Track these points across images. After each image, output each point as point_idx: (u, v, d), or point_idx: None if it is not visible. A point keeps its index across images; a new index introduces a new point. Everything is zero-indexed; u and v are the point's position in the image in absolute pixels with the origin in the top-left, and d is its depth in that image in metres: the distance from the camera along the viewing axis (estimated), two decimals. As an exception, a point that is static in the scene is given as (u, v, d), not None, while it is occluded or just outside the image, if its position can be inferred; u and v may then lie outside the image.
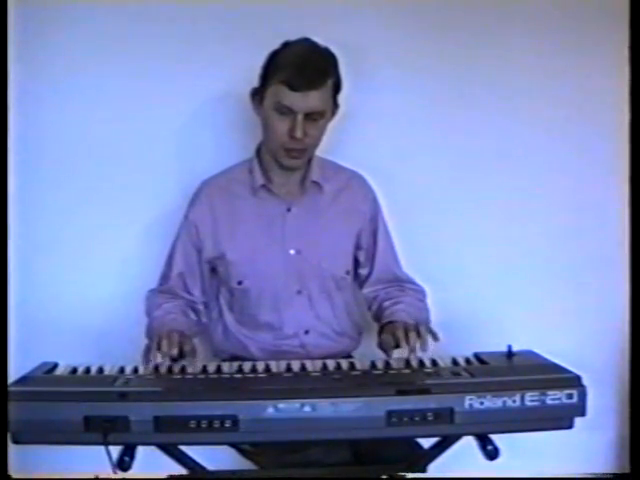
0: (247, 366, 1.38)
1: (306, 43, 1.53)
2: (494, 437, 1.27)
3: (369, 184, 1.74)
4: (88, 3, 1.80)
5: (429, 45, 1.89)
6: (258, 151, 1.67)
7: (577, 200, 1.98)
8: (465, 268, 1.95)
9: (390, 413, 1.19)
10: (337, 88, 1.56)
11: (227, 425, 1.18)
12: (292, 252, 1.63)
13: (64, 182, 1.86)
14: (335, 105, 1.58)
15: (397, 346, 1.43)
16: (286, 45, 1.54)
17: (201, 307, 1.70)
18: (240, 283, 1.64)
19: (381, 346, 1.53)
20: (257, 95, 1.57)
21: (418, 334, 1.41)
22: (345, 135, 1.80)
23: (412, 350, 1.39)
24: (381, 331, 1.59)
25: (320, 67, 1.50)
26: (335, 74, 1.54)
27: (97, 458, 1.19)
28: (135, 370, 1.36)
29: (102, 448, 1.18)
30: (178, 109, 1.86)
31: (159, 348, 1.37)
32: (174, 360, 1.39)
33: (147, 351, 1.40)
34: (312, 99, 1.49)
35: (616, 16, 1.81)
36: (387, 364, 1.37)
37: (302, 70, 1.47)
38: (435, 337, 1.41)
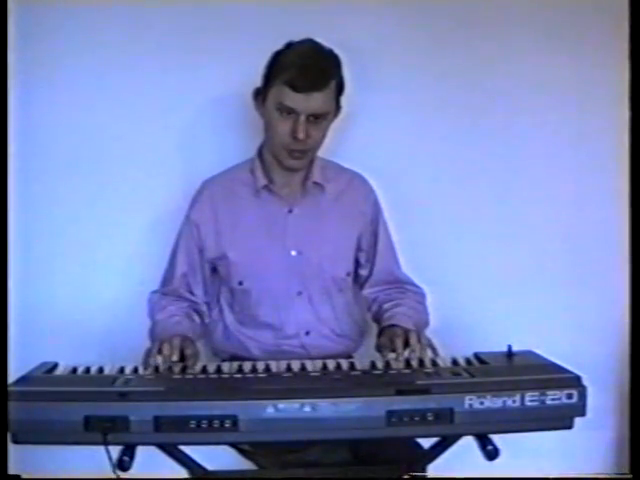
0: (247, 366, 1.38)
1: (310, 44, 1.53)
2: (494, 437, 1.27)
3: (370, 185, 1.74)
4: (89, 3, 1.81)
5: (431, 46, 1.90)
6: (260, 151, 1.67)
7: (577, 200, 1.98)
8: (465, 268, 1.96)
9: (390, 413, 1.19)
10: (340, 89, 1.56)
11: (227, 425, 1.18)
12: (293, 253, 1.63)
13: (65, 182, 1.87)
14: (338, 106, 1.58)
15: (393, 351, 1.42)
16: (289, 46, 1.54)
17: (204, 308, 1.70)
18: (241, 283, 1.64)
19: (378, 348, 1.53)
20: (260, 95, 1.57)
21: (418, 342, 1.40)
22: (346, 136, 1.80)
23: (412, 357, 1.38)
24: (381, 333, 1.59)
25: (323, 68, 1.50)
26: (338, 75, 1.54)
27: (97, 458, 1.19)
28: (135, 370, 1.36)
29: (102, 448, 1.18)
30: (180, 109, 1.87)
31: (160, 352, 1.37)
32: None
33: (147, 355, 1.40)
34: (315, 100, 1.49)
35: (616, 16, 1.81)
36: (387, 364, 1.37)
37: (305, 71, 1.47)
38: (435, 352, 1.42)
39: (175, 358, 1.36)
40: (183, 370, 1.36)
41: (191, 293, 1.68)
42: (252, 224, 1.64)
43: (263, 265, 1.63)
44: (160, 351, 1.37)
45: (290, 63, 1.49)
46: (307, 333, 1.65)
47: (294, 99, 1.48)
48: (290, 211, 1.64)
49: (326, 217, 1.66)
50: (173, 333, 1.47)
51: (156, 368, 1.36)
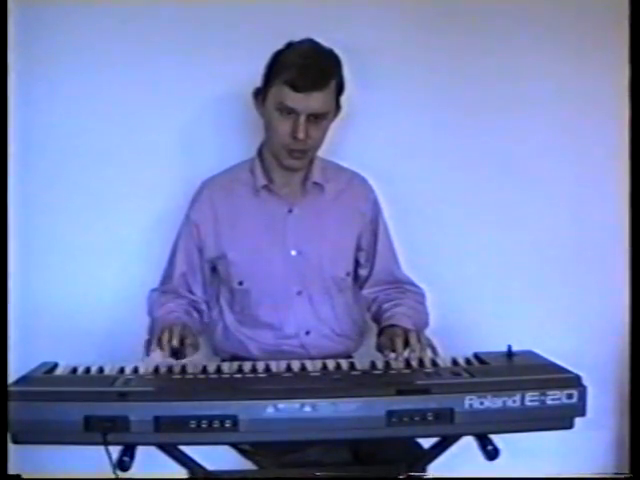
0: (247, 366, 1.38)
1: (310, 44, 1.53)
2: (494, 437, 1.27)
3: (370, 185, 1.74)
4: (89, 3, 1.81)
5: (430, 47, 1.90)
6: (260, 151, 1.67)
7: (577, 200, 1.99)
8: (465, 268, 1.96)
9: (390, 413, 1.19)
10: (340, 89, 1.56)
11: (227, 425, 1.18)
12: (293, 253, 1.63)
13: (65, 182, 1.87)
14: (337, 106, 1.58)
15: (394, 350, 1.43)
16: (290, 45, 1.54)
17: (204, 307, 1.70)
18: (241, 283, 1.64)
19: (379, 348, 1.54)
20: (260, 95, 1.57)
21: (418, 342, 1.40)
22: (346, 135, 1.80)
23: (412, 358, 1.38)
24: (380, 333, 1.59)
25: (323, 68, 1.50)
26: (338, 75, 1.54)
27: (97, 458, 1.19)
28: (135, 370, 1.36)
29: (102, 448, 1.18)
30: (181, 109, 1.87)
31: (160, 339, 1.37)
32: (175, 353, 1.39)
33: (148, 342, 1.41)
34: (315, 100, 1.49)
35: (616, 16, 1.81)
36: (387, 364, 1.37)
37: (305, 71, 1.47)
38: (435, 351, 1.41)
39: (175, 344, 1.36)
40: (183, 368, 1.36)
41: (190, 292, 1.68)
42: (252, 224, 1.64)
43: (263, 265, 1.63)
44: (160, 338, 1.38)
45: (290, 63, 1.49)
46: (307, 333, 1.65)
47: (294, 99, 1.48)
48: (290, 211, 1.64)
49: (326, 217, 1.66)
50: (173, 323, 1.47)
51: (156, 369, 1.36)
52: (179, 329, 1.41)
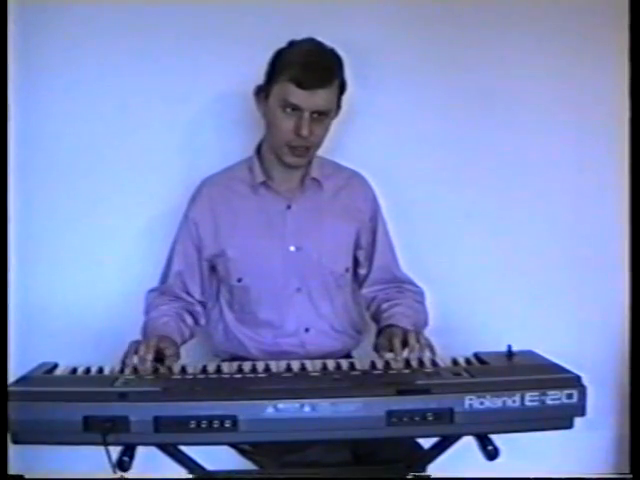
0: (247, 366, 1.38)
1: (312, 43, 1.54)
2: (494, 437, 1.27)
3: (369, 183, 1.74)
4: (90, 3, 1.81)
5: (430, 46, 1.90)
6: (258, 149, 1.67)
7: (577, 199, 1.98)
8: (465, 268, 1.96)
9: (390, 413, 1.19)
10: (342, 88, 1.57)
11: (227, 425, 1.18)
12: (292, 249, 1.63)
13: (65, 181, 1.87)
14: (338, 105, 1.59)
15: (392, 351, 1.42)
16: (292, 44, 1.55)
17: (199, 308, 1.70)
18: (240, 280, 1.64)
19: (376, 348, 1.54)
20: (261, 93, 1.58)
21: (417, 342, 1.40)
22: (346, 135, 1.80)
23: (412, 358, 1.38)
24: (379, 333, 1.59)
25: (328, 66, 1.52)
26: (341, 75, 1.55)
27: (97, 458, 1.19)
28: (135, 370, 1.36)
29: (102, 448, 1.18)
30: (181, 108, 1.87)
31: (136, 352, 1.38)
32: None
33: (125, 355, 1.41)
34: (319, 98, 1.50)
35: (616, 16, 1.81)
36: (387, 364, 1.37)
37: (310, 68, 1.48)
38: (433, 352, 1.41)
39: (150, 357, 1.36)
40: (183, 370, 1.36)
41: (187, 292, 1.68)
42: (251, 220, 1.64)
43: (262, 261, 1.63)
44: (136, 351, 1.38)
45: (295, 61, 1.50)
46: (306, 330, 1.65)
47: (299, 96, 1.49)
48: (289, 207, 1.64)
49: (325, 213, 1.66)
50: (156, 334, 1.47)
51: (156, 369, 1.36)
52: (155, 342, 1.40)
